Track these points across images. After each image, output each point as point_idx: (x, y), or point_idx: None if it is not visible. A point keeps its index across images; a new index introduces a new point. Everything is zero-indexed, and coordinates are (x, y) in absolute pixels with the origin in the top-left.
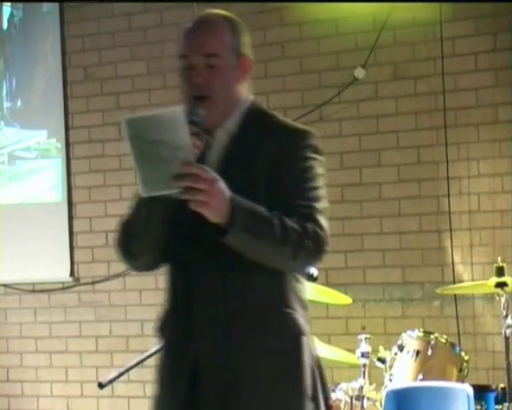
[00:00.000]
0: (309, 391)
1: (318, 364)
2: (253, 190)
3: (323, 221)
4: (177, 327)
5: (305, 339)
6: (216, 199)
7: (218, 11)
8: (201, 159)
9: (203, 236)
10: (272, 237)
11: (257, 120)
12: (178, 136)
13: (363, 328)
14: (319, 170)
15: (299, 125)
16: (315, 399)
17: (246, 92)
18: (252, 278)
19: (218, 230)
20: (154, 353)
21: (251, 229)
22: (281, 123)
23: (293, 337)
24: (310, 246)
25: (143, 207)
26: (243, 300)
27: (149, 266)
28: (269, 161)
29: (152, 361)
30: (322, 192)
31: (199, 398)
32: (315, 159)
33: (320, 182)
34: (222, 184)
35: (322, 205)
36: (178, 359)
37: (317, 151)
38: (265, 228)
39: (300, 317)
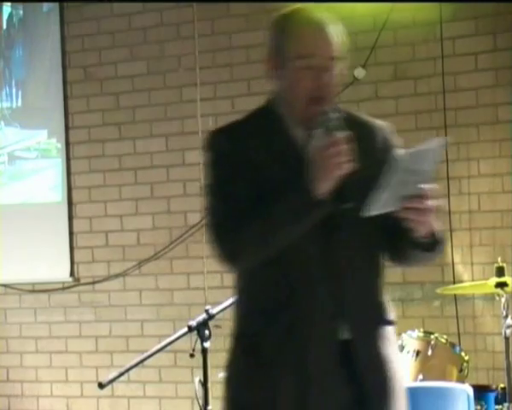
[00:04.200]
0: None
1: None
2: None
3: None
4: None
5: None
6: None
7: (324, 13)
8: (303, 154)
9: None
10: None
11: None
12: (431, 164)
13: None
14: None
15: None
16: None
17: None
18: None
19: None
20: (154, 353)
21: None
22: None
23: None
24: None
25: (302, 215)
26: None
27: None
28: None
29: (152, 361)
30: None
31: (360, 391)
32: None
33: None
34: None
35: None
36: (325, 348)
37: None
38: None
39: None
